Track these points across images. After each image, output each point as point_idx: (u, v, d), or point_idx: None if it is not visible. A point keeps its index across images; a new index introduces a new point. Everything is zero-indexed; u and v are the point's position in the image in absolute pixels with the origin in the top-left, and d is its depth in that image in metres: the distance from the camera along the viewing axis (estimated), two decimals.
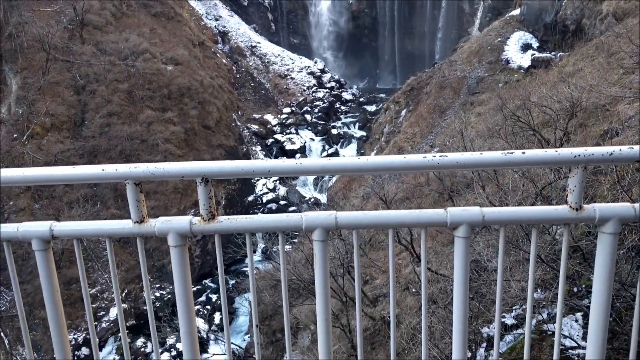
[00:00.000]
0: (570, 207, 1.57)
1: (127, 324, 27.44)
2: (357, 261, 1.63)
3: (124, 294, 29.21)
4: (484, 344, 14.47)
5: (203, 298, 29.76)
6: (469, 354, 15.76)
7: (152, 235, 1.65)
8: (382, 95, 55.58)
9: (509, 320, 16.39)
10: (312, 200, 37.26)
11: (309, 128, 47.50)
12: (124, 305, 28.31)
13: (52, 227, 1.66)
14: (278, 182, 40.57)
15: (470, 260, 1.64)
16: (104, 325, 27.87)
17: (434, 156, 1.53)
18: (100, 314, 28.27)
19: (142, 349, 26.26)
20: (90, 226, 1.68)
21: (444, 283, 17.82)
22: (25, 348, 1.75)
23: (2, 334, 25.22)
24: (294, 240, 24.74)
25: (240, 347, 23.18)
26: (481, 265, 15.76)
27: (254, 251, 29.18)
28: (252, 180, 40.35)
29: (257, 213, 37.10)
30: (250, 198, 38.88)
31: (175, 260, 1.68)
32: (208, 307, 29.14)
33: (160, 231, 1.65)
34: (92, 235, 1.67)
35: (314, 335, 21.04)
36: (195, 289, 29.90)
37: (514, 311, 16.52)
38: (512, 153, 1.52)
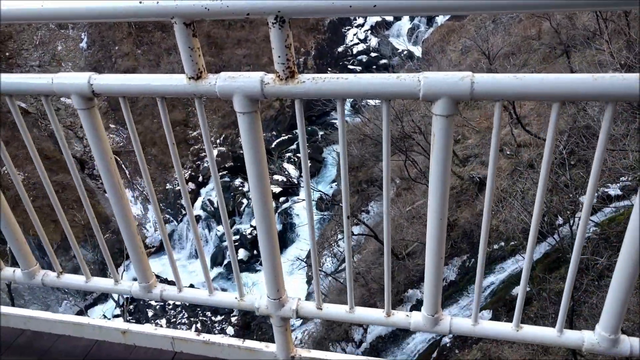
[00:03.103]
0: None
1: (226, 165, 29.45)
2: (496, 132, 1.12)
3: (221, 138, 30.91)
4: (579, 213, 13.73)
5: (294, 146, 30.79)
6: (561, 221, 15.20)
7: (213, 97, 1.23)
8: None
9: (613, 191, 15.23)
10: (406, 53, 34.93)
11: None
12: (222, 149, 30.09)
13: (91, 80, 1.29)
14: (369, 32, 38.21)
15: None
16: (205, 165, 30.25)
17: None
18: (202, 154, 30.54)
19: (240, 188, 28.55)
20: (136, 81, 1.29)
21: (543, 148, 16.62)
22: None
23: (123, 166, 28.31)
24: None
25: (327, 194, 24.35)
26: (591, 131, 14.24)
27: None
28: (343, 29, 38.39)
29: (346, 65, 35.87)
30: (340, 49, 37.29)
31: (244, 130, 1.27)
32: (298, 154, 30.28)
33: (222, 91, 1.21)
34: (139, 93, 1.29)
35: (399, 189, 21.39)
36: (286, 137, 30.81)
37: (621, 182, 15.22)
38: None
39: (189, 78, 1.23)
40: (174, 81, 1.25)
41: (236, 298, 1.60)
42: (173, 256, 1.63)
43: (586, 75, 1.04)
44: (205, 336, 1.78)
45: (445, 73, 1.11)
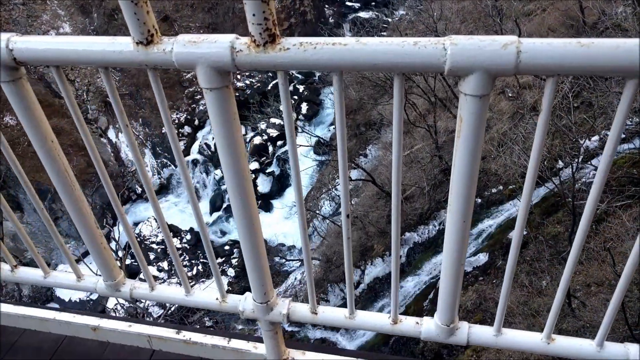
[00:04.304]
0: None
1: None
2: (546, 116, 0.85)
3: None
4: (581, 157, 13.56)
5: (290, 88, 29.96)
6: (561, 164, 15.03)
7: (169, 67, 0.93)
8: None
9: (594, 145, 14.94)
10: None
11: None
12: None
13: (10, 44, 0.98)
14: None
15: None
16: (201, 107, 29.48)
17: None
18: (197, 97, 29.68)
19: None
20: (71, 46, 0.97)
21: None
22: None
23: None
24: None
25: (324, 138, 24.02)
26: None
27: None
28: None
29: (344, 1, 34.25)
30: None
31: (212, 111, 0.98)
32: (295, 97, 29.50)
33: (181, 61, 0.92)
34: (75, 62, 0.98)
35: None
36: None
37: (603, 135, 14.88)
38: None
39: (137, 43, 0.92)
40: (118, 46, 0.94)
41: (217, 299, 1.38)
42: (141, 253, 1.39)
43: None
44: (185, 334, 1.57)
45: (480, 38, 0.81)
